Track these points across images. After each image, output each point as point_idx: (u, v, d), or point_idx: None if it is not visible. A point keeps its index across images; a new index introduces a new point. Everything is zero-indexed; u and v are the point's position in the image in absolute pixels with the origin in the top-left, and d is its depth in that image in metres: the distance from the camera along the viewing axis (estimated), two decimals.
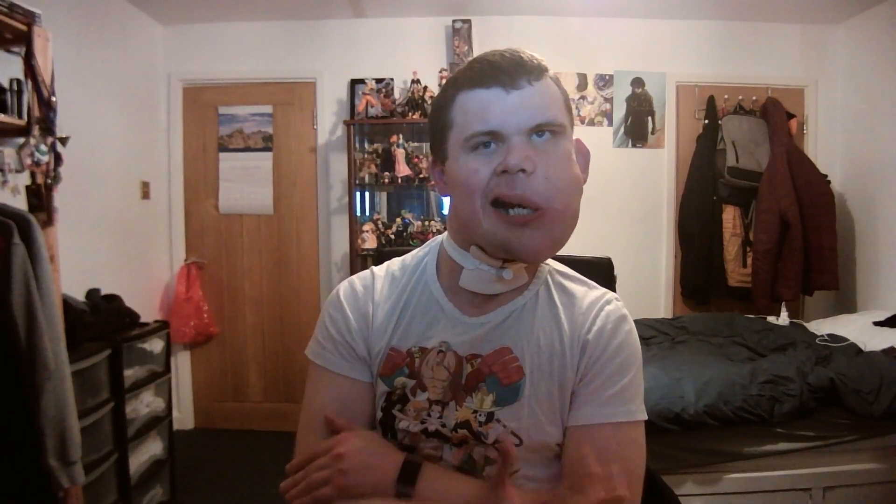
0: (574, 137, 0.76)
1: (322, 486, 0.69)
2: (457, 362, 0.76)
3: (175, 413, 3.12)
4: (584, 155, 0.76)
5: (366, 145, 3.21)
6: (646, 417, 0.75)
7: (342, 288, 0.84)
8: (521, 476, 0.74)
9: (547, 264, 0.84)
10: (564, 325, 0.77)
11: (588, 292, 0.81)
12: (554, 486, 0.76)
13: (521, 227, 0.68)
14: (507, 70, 0.69)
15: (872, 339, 2.31)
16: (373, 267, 0.87)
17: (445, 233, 0.83)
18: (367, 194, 3.28)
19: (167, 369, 2.54)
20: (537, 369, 0.74)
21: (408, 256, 0.87)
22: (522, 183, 0.67)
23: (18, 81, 1.73)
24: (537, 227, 0.68)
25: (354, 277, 0.85)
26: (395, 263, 0.86)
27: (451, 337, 0.77)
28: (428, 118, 0.80)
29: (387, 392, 0.77)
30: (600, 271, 1.02)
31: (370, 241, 3.02)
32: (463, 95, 0.71)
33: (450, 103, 0.73)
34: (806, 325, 2.79)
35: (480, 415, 0.73)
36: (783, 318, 2.77)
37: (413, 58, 3.22)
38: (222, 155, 3.37)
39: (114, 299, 2.38)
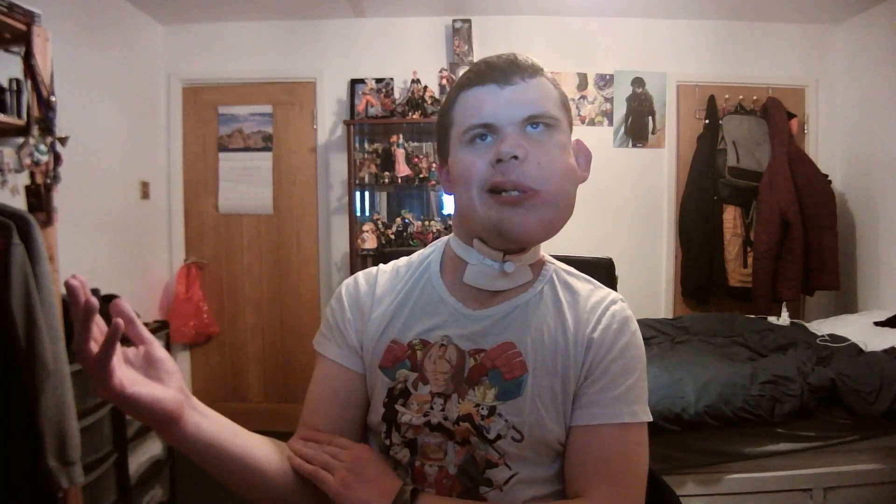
0: (574, 138, 0.78)
1: (326, 472, 0.71)
2: (458, 355, 0.76)
3: None
4: (585, 154, 0.78)
5: (366, 145, 3.21)
6: (650, 419, 0.75)
7: (345, 282, 0.88)
8: (522, 479, 0.74)
9: (552, 263, 0.84)
10: (569, 321, 0.77)
11: (594, 291, 0.81)
12: (555, 487, 0.75)
13: (514, 208, 0.70)
14: (502, 68, 0.73)
15: (873, 340, 2.31)
16: (381, 264, 0.90)
17: (452, 233, 0.84)
18: (367, 194, 3.27)
19: None
20: (541, 365, 0.74)
21: (415, 255, 0.90)
22: (515, 169, 0.69)
23: (18, 81, 1.73)
24: (529, 207, 0.69)
25: (360, 273, 0.89)
26: (401, 261, 0.89)
27: (452, 330, 0.78)
28: (435, 124, 0.83)
29: (389, 387, 0.78)
30: (601, 271, 1.02)
31: (370, 241, 3.02)
32: (462, 95, 0.76)
33: (452, 104, 0.77)
34: (806, 325, 2.79)
35: (482, 408, 0.74)
36: (784, 318, 2.77)
37: (413, 58, 3.21)
38: (222, 155, 3.36)
39: (113, 299, 2.38)
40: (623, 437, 0.72)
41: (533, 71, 0.74)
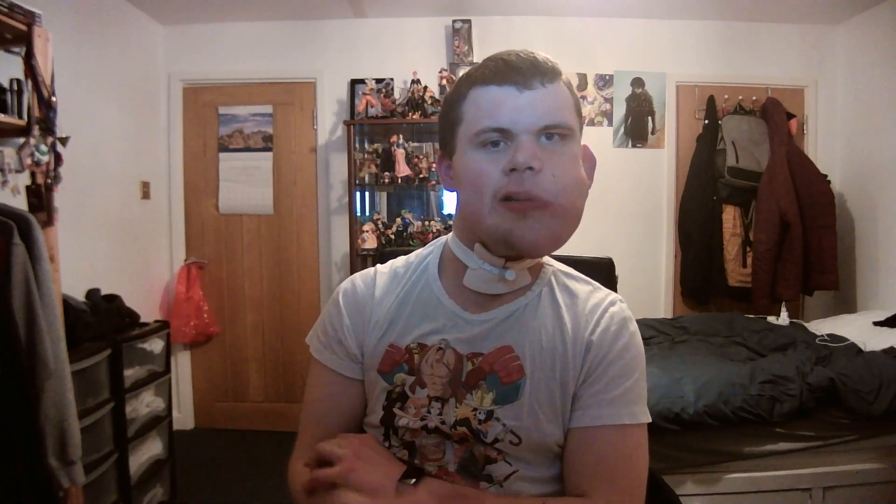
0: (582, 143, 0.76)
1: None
2: (456, 359, 0.76)
3: (175, 413, 3.12)
4: (590, 161, 0.76)
5: (366, 145, 3.21)
6: (649, 420, 0.75)
7: (343, 286, 0.86)
8: (522, 476, 0.74)
9: (551, 265, 0.84)
10: (567, 324, 0.77)
11: (592, 293, 0.81)
12: (554, 487, 0.76)
13: (524, 217, 0.68)
14: (522, 70, 0.70)
15: (872, 339, 2.31)
16: (378, 265, 0.89)
17: (451, 233, 0.83)
18: (367, 194, 3.28)
19: (167, 369, 2.54)
20: (539, 369, 0.74)
21: (412, 255, 0.88)
22: (530, 180, 0.67)
23: (18, 81, 1.73)
24: (539, 218, 0.68)
25: (357, 275, 0.87)
26: (399, 261, 0.88)
27: (450, 334, 0.77)
28: (439, 114, 0.81)
29: (387, 390, 0.78)
30: (601, 271, 1.02)
31: (370, 241, 3.02)
32: (476, 91, 0.72)
33: (462, 98, 0.74)
34: (806, 324, 2.79)
35: (480, 412, 0.73)
36: (783, 318, 2.77)
37: (413, 58, 3.21)
38: (222, 155, 3.37)
39: (114, 299, 2.37)
40: (623, 439, 0.72)
41: (553, 75, 0.71)
